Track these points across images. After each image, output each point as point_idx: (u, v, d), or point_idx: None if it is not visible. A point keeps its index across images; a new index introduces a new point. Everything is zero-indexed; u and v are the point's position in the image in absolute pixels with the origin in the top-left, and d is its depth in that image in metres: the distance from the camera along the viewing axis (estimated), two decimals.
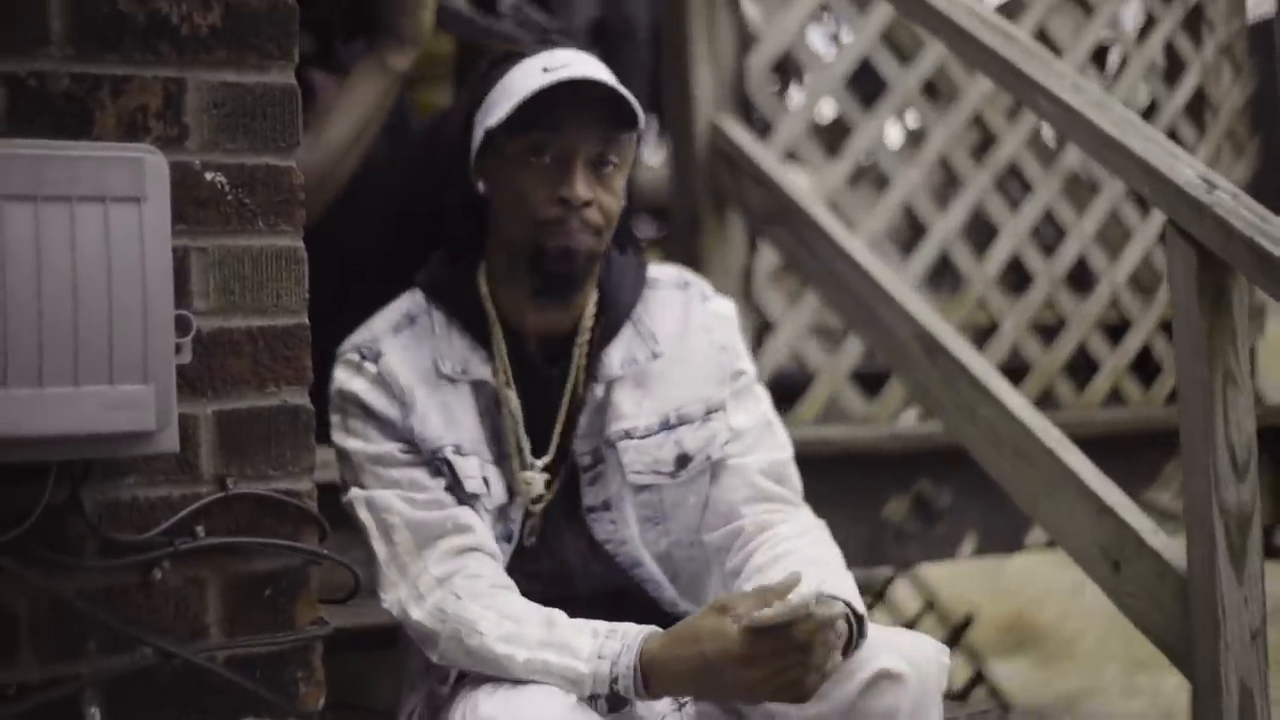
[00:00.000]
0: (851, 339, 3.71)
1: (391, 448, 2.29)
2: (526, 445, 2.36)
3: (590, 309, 2.39)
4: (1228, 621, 2.47)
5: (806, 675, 2.06)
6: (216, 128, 2.03)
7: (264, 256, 2.06)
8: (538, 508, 2.36)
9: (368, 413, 2.30)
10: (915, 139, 4.02)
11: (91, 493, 1.94)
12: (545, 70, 2.29)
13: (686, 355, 2.43)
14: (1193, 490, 2.49)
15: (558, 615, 2.19)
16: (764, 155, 3.49)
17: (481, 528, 2.31)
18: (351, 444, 2.30)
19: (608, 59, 2.45)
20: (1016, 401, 2.89)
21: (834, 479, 3.63)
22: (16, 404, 1.76)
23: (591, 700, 2.12)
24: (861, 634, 2.15)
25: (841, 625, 2.10)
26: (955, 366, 2.98)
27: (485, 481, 2.33)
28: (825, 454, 3.59)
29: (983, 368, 2.97)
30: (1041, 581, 7.92)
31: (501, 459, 2.35)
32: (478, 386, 2.35)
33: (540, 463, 2.36)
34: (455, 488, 2.30)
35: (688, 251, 3.57)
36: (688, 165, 3.54)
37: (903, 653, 2.15)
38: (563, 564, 2.38)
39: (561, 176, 2.28)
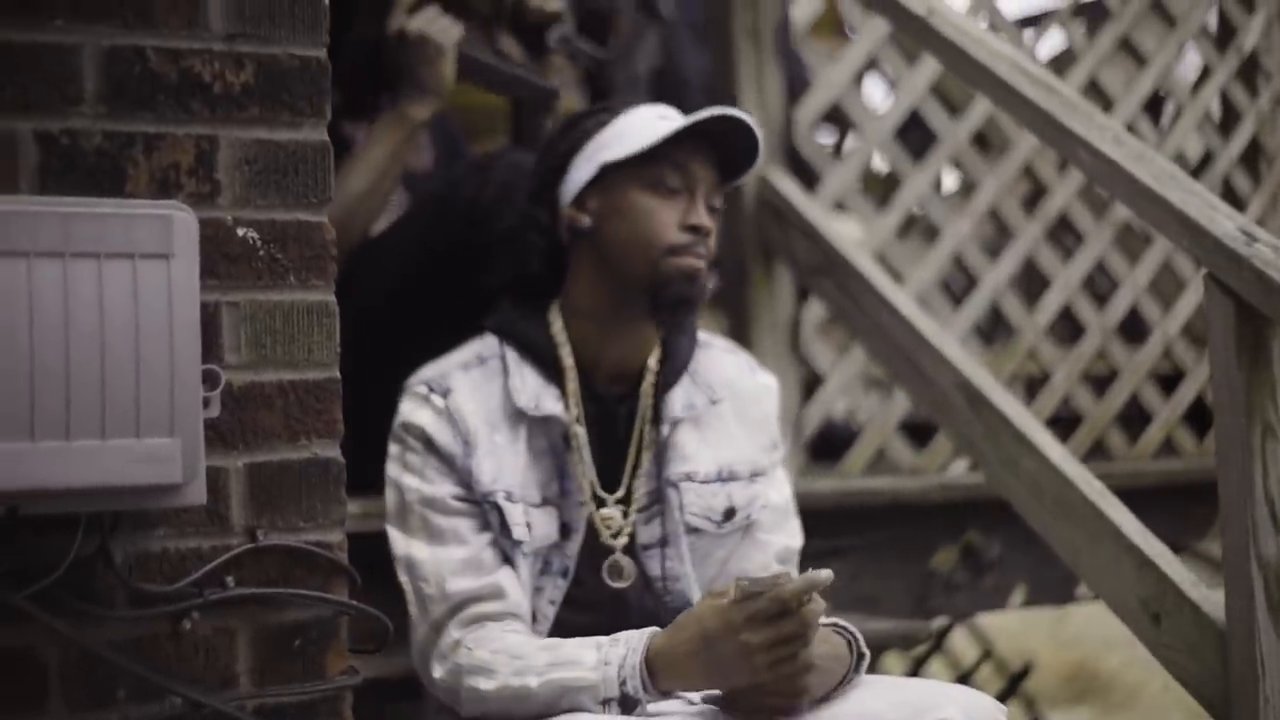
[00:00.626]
0: (900, 390, 3.70)
1: (446, 491, 2.37)
2: (595, 482, 2.43)
3: (655, 354, 2.48)
4: (1267, 676, 2.45)
5: (801, 649, 2.11)
6: (248, 184, 2.06)
7: (295, 311, 2.08)
8: (619, 541, 2.39)
9: (429, 447, 2.37)
10: (966, 190, 4.00)
11: (122, 544, 1.96)
12: (661, 118, 2.44)
13: (738, 417, 2.53)
14: (1231, 543, 2.47)
15: (561, 640, 2.28)
16: (811, 207, 3.50)
17: (515, 591, 2.37)
18: (408, 480, 2.38)
19: None
20: (1058, 452, 2.88)
21: (883, 529, 3.64)
22: (44, 457, 1.78)
23: (605, 705, 2.19)
24: (858, 667, 2.24)
25: (838, 644, 2.21)
26: (997, 417, 2.98)
27: (528, 526, 2.36)
28: (874, 504, 3.60)
29: (1024, 419, 2.96)
30: (1103, 630, 7.84)
31: (562, 496, 2.41)
32: (547, 423, 2.42)
33: (614, 498, 2.40)
34: (501, 533, 2.37)
35: (736, 303, 3.58)
36: (735, 217, 3.55)
37: (961, 706, 2.18)
38: (618, 600, 2.41)
39: (688, 206, 2.42)
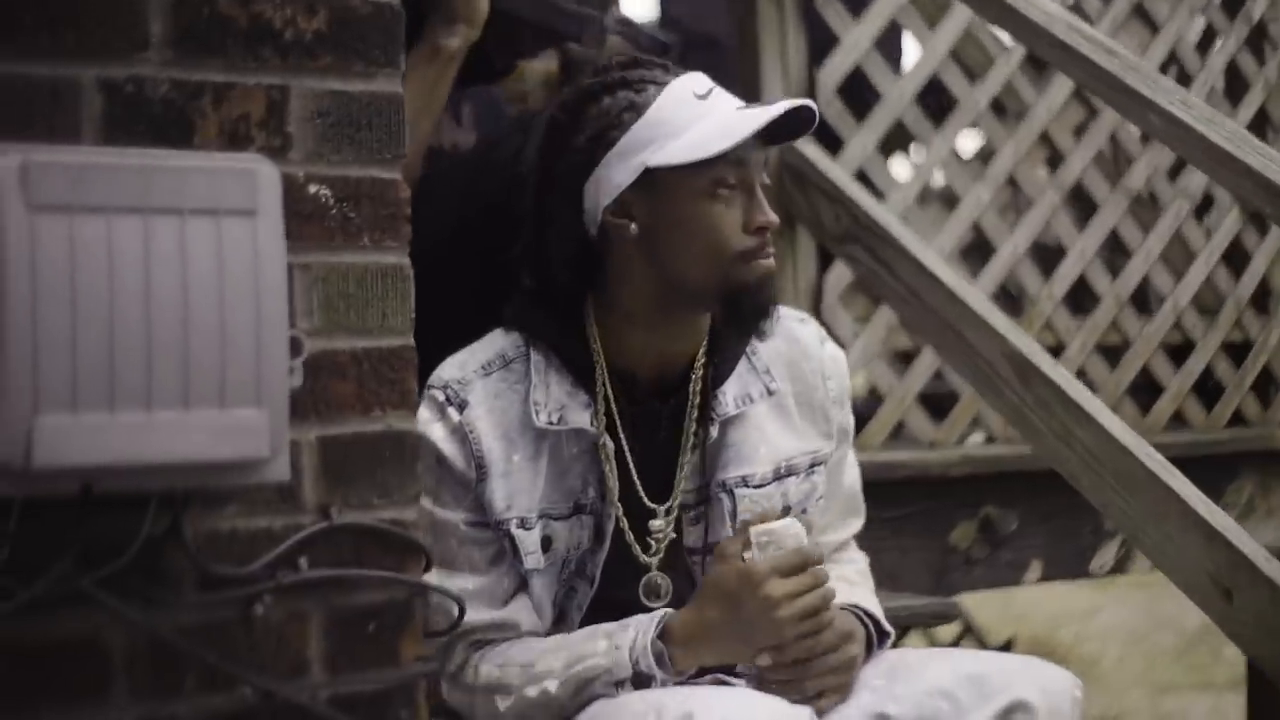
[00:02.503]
0: (920, 361, 3.62)
1: (458, 518, 2.23)
2: (637, 495, 2.28)
3: (703, 345, 2.28)
4: None
5: (821, 601, 2.11)
6: (321, 138, 1.92)
7: (369, 274, 1.95)
8: (655, 558, 2.28)
9: (442, 467, 2.22)
10: (984, 158, 3.91)
11: (192, 524, 1.83)
12: (699, 97, 2.20)
13: (801, 400, 2.35)
14: None
15: (566, 638, 2.21)
16: (837, 172, 3.39)
17: (529, 620, 2.26)
18: (422, 499, 2.17)
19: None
20: (1116, 425, 2.79)
21: (904, 504, 3.55)
22: (124, 430, 1.65)
23: (618, 687, 2.12)
24: (880, 640, 2.26)
25: (854, 624, 2.21)
26: (1050, 388, 2.89)
27: (547, 541, 2.24)
28: (895, 478, 3.51)
29: (1078, 389, 2.87)
30: (1048, 607, 7.86)
31: (597, 506, 2.26)
32: (572, 434, 2.25)
33: (664, 508, 2.27)
34: (514, 559, 2.25)
35: None
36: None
37: (1038, 683, 2.11)
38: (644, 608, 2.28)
39: (751, 205, 2.20)
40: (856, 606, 2.27)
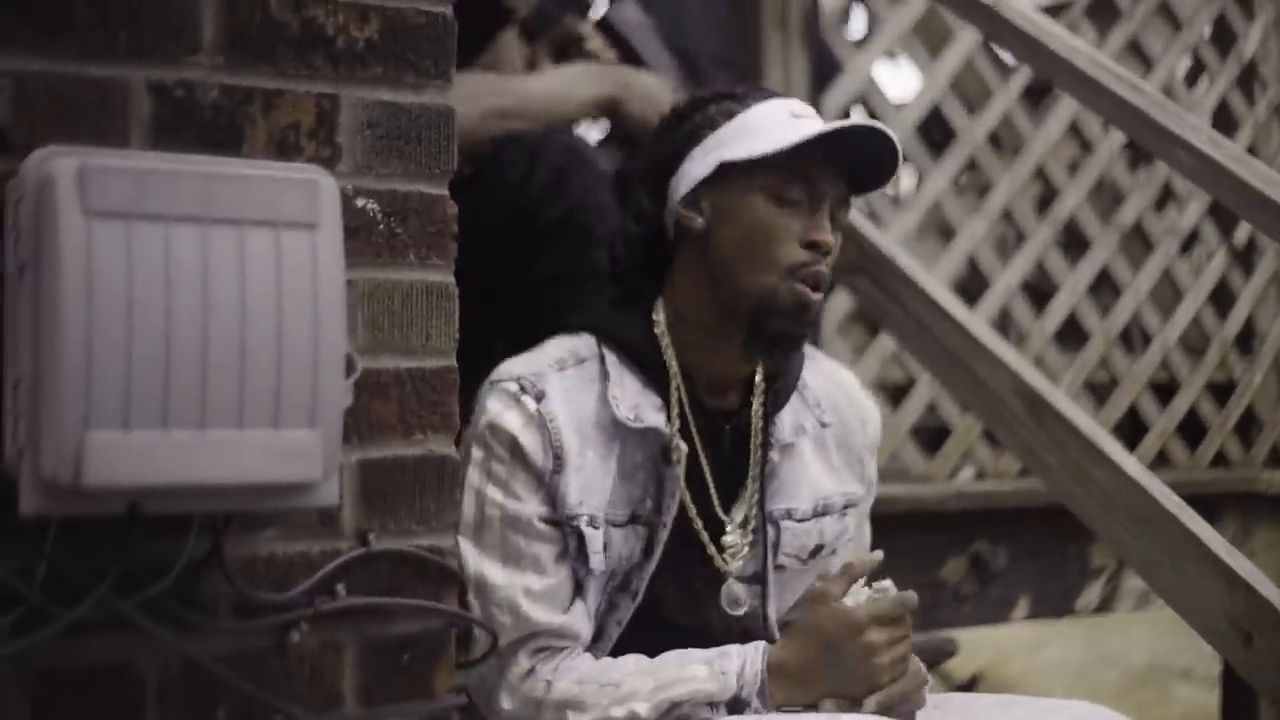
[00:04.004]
0: (914, 394, 3.58)
1: (532, 510, 2.13)
2: (716, 505, 2.23)
3: (759, 368, 2.24)
4: None
5: (910, 648, 2.10)
6: (370, 150, 1.86)
7: (414, 292, 1.89)
8: (734, 566, 2.24)
9: (517, 456, 2.13)
10: (979, 190, 3.88)
11: (231, 548, 1.76)
12: (794, 115, 2.16)
13: (840, 444, 2.34)
14: None
15: (650, 661, 2.13)
16: None
17: (586, 628, 2.18)
18: (491, 492, 2.13)
19: None
20: (1133, 464, 2.76)
21: (895, 538, 3.49)
22: (176, 449, 1.57)
23: (714, 709, 2.08)
24: None
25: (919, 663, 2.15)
26: (1063, 426, 2.85)
27: (605, 549, 2.18)
28: (889, 513, 3.45)
29: (1093, 428, 2.84)
30: (1000, 641, 7.84)
31: (655, 513, 2.20)
32: (645, 435, 2.19)
33: (736, 521, 2.22)
34: (577, 559, 2.16)
35: None
36: None
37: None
38: (703, 630, 2.22)
39: (813, 220, 2.15)
40: None
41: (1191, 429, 4.18)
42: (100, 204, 1.54)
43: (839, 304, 3.47)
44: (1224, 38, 4.31)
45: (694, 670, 2.09)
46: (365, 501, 1.87)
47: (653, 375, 2.21)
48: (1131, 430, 4.08)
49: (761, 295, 2.15)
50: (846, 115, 3.54)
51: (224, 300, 1.59)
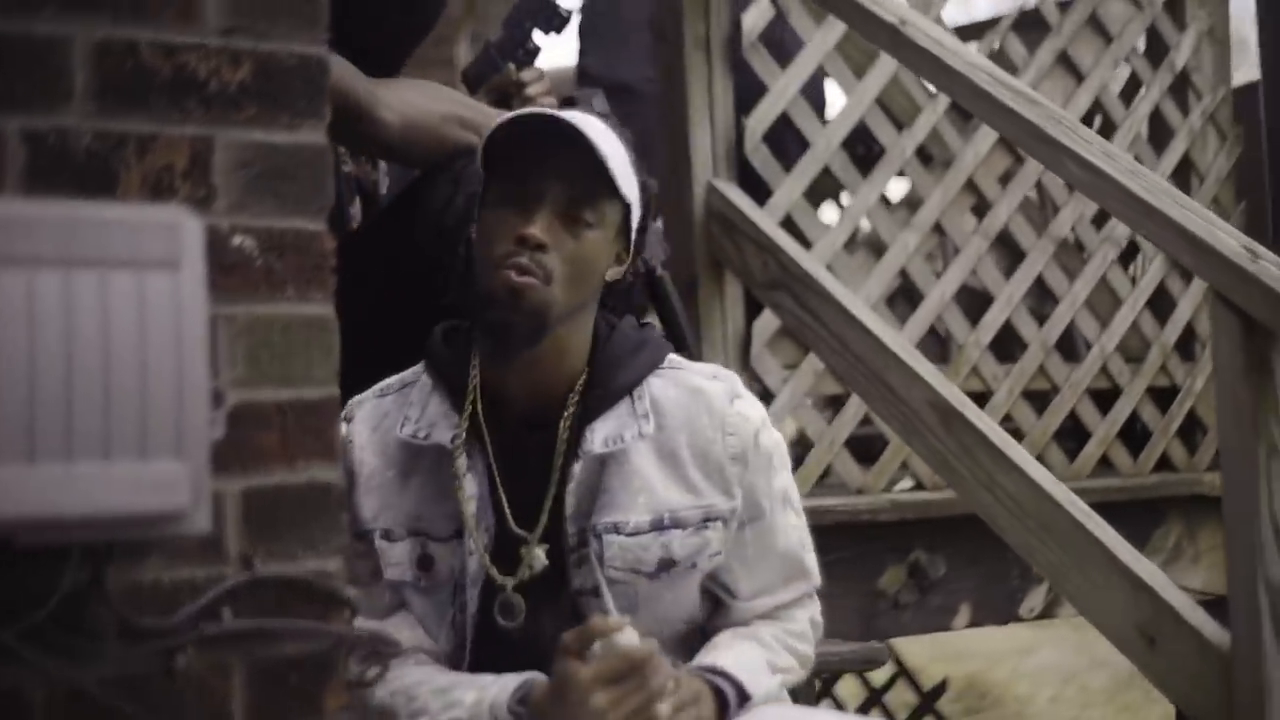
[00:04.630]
0: (849, 407, 3.64)
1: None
2: (487, 515, 2.29)
3: (580, 380, 2.30)
4: (1273, 699, 2.40)
5: (650, 704, 2.11)
6: (245, 189, 1.92)
7: (293, 325, 1.95)
8: (512, 580, 2.29)
9: None
10: (911, 204, 3.94)
11: (113, 575, 1.82)
12: (511, 122, 2.27)
13: (697, 453, 2.32)
14: (1236, 566, 2.42)
15: (458, 679, 2.24)
16: (765, 220, 3.41)
17: (408, 634, 2.28)
18: None
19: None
20: (1039, 472, 2.82)
21: (832, 549, 3.56)
22: (43, 482, 1.63)
23: None
24: (740, 702, 2.25)
25: (700, 687, 2.22)
26: (973, 434, 2.91)
27: (426, 560, 2.27)
28: (823, 524, 3.50)
29: (1001, 436, 2.90)
30: (988, 645, 7.88)
31: (471, 532, 2.28)
32: (442, 453, 2.27)
33: (534, 535, 2.28)
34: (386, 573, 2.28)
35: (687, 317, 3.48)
36: (685, 228, 3.46)
37: None
38: (545, 642, 2.27)
39: (522, 216, 2.24)
40: (714, 668, 2.27)
41: (1135, 434, 4.24)
42: None
43: (768, 321, 3.53)
44: (1156, 48, 4.37)
45: (466, 694, 2.20)
46: (249, 528, 1.92)
47: (458, 396, 2.31)
48: (1076, 437, 4.15)
49: (482, 294, 2.26)
50: (769, 138, 3.59)
51: (87, 339, 1.65)
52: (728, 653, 2.33)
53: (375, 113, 2.76)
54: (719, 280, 3.49)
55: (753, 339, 3.53)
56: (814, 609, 2.52)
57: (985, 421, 2.94)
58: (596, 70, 4.10)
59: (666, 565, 2.30)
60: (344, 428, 2.27)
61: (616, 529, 2.28)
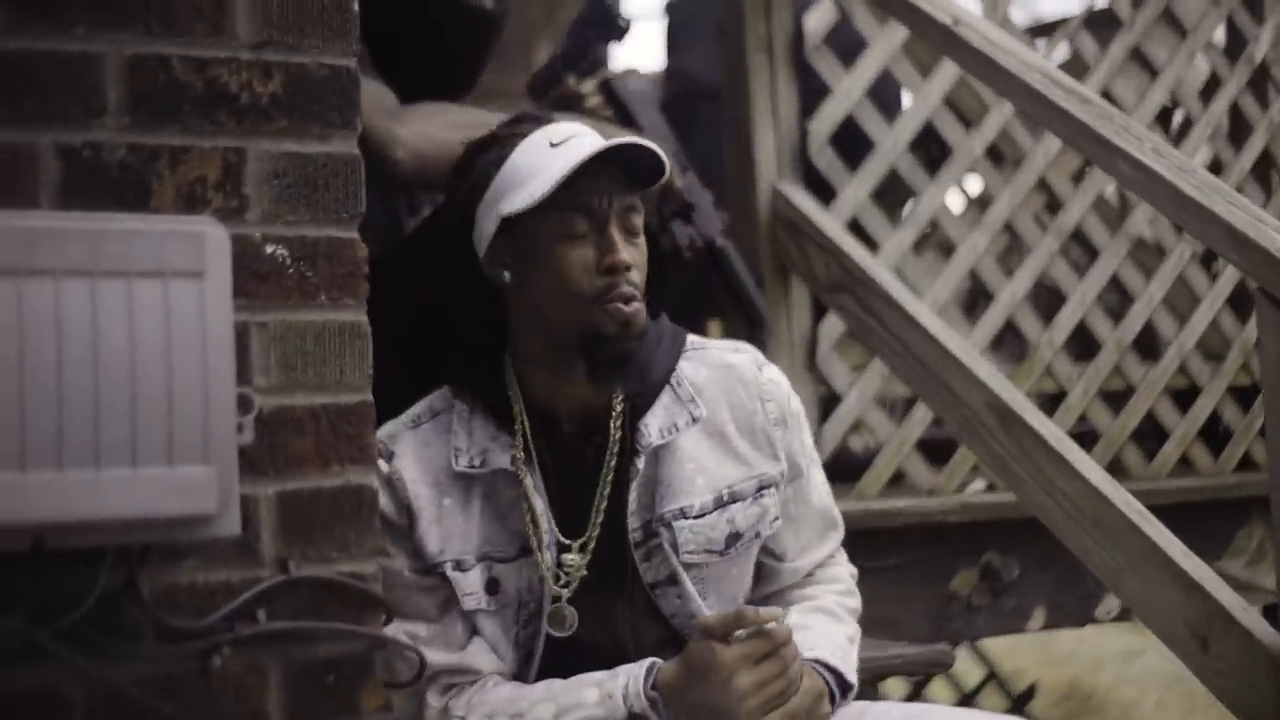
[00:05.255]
0: (918, 408, 3.63)
1: (400, 565, 2.27)
2: (552, 531, 2.30)
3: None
4: None
5: (787, 687, 2.16)
6: (277, 199, 1.96)
7: (327, 331, 1.99)
8: (567, 591, 2.30)
9: (381, 519, 2.17)
10: (981, 204, 3.93)
11: (149, 577, 1.86)
12: (553, 145, 2.24)
13: (742, 426, 2.37)
14: None
15: (554, 683, 2.22)
16: (828, 222, 3.42)
17: (488, 661, 2.30)
18: None
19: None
20: (1097, 474, 2.80)
21: (901, 551, 3.55)
22: (72, 487, 1.69)
23: None
24: (843, 693, 2.30)
25: (820, 684, 2.25)
26: (1031, 437, 2.90)
27: (494, 583, 2.28)
28: (892, 526, 3.51)
29: (1059, 439, 2.88)
30: (1094, 649, 7.80)
31: (529, 550, 2.29)
32: (499, 476, 2.28)
33: (576, 544, 2.29)
34: (460, 602, 2.29)
35: None
36: (750, 232, 3.47)
37: None
38: (616, 644, 2.31)
39: (602, 246, 2.23)
40: (818, 662, 2.29)
41: (1216, 434, 4.19)
42: None
43: (834, 323, 3.53)
44: (1235, 43, 4.33)
45: (585, 694, 2.18)
46: (285, 531, 1.96)
47: (502, 418, 2.31)
48: (1155, 437, 4.10)
49: (579, 328, 2.25)
50: (836, 139, 3.60)
51: (114, 347, 1.70)
52: (820, 639, 2.36)
53: (388, 153, 2.78)
54: (784, 283, 3.50)
55: (819, 341, 3.54)
56: (844, 558, 2.58)
57: (1044, 423, 2.93)
58: (694, 73, 4.12)
59: (734, 539, 2.35)
60: (383, 465, 2.27)
61: (683, 514, 2.32)
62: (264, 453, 1.93)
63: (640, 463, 2.30)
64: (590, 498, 2.32)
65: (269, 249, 1.95)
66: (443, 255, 2.37)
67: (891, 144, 3.62)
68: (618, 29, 3.16)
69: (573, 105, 3.18)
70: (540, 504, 2.29)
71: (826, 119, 3.57)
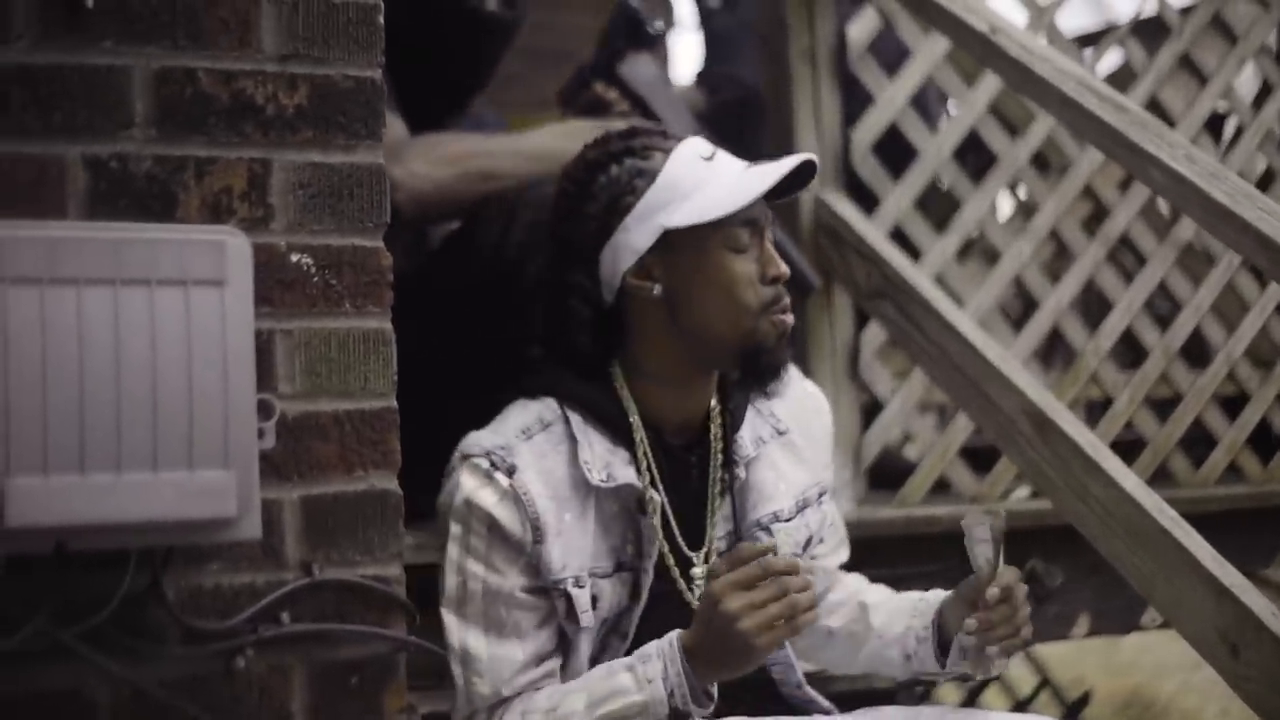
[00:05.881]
0: (961, 415, 3.63)
1: (514, 583, 2.20)
2: (679, 547, 2.31)
3: (714, 395, 2.35)
4: None
5: (789, 607, 2.08)
6: (302, 209, 2.00)
7: (351, 339, 2.03)
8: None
9: (495, 533, 2.18)
10: (1026, 211, 3.92)
11: (174, 580, 1.91)
12: (705, 159, 2.27)
13: (805, 436, 2.43)
14: None
15: (588, 676, 2.20)
16: (870, 230, 3.43)
17: (554, 681, 2.26)
18: (472, 566, 2.18)
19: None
20: (1130, 481, 2.80)
21: (945, 558, 3.54)
22: (94, 491, 1.73)
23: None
24: None
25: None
26: (1067, 444, 2.89)
27: (594, 602, 2.26)
28: (933, 533, 3.51)
29: (1094, 445, 2.88)
30: (1158, 656, 7.74)
31: (638, 559, 2.30)
32: (620, 489, 2.28)
33: (700, 555, 2.33)
34: (567, 619, 2.24)
35: (794, 327, 3.49)
36: (793, 239, 3.48)
37: None
38: None
39: (764, 258, 2.26)
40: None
41: (1268, 442, 4.17)
42: (15, 271, 1.70)
43: (876, 331, 3.53)
44: None
45: (619, 680, 2.15)
46: (309, 535, 2.01)
47: (619, 431, 2.29)
48: (1204, 444, 4.08)
49: (743, 339, 2.25)
50: (877, 148, 3.61)
51: (135, 353, 1.74)
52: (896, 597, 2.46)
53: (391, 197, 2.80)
54: (827, 291, 3.51)
55: (861, 349, 3.54)
56: None
57: (1080, 430, 2.92)
58: (747, 80, 4.13)
59: (808, 543, 2.41)
60: (502, 479, 2.20)
61: (777, 518, 2.37)
62: (288, 458, 1.98)
63: (742, 472, 2.34)
64: (702, 510, 2.34)
65: (294, 258, 1.99)
66: (556, 264, 2.33)
67: (935, 152, 3.62)
68: (647, 36, 3.17)
69: (600, 111, 3.20)
70: (672, 520, 2.30)
71: (870, 127, 3.58)
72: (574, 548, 2.24)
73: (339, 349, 2.02)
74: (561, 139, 2.90)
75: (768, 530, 2.35)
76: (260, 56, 1.98)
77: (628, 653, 2.28)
